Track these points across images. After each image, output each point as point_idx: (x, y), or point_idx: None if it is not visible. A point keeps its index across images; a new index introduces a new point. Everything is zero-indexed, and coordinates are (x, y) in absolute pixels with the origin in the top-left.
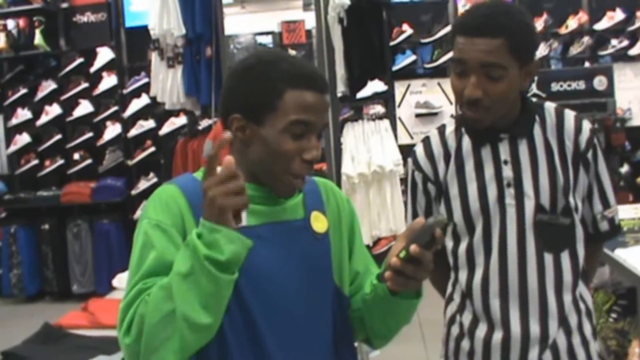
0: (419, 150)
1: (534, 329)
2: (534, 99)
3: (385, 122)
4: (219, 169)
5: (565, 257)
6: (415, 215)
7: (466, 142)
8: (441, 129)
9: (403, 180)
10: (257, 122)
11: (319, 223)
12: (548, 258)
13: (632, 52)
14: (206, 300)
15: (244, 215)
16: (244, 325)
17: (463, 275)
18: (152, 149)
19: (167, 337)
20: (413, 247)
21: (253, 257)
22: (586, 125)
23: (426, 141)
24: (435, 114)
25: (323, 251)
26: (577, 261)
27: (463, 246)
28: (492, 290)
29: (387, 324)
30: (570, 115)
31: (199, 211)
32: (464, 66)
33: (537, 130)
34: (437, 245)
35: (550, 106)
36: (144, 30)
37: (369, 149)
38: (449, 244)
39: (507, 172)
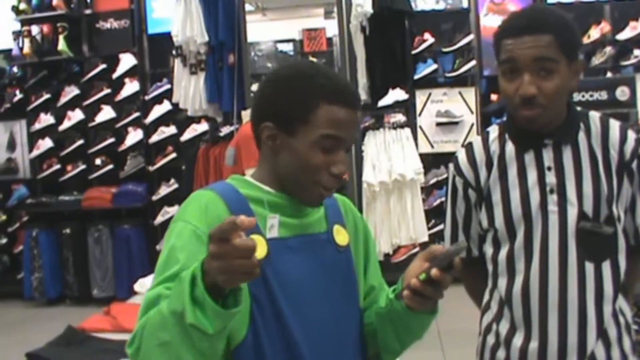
0: (461, 156)
1: (572, 338)
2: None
3: (407, 131)
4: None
5: (606, 267)
6: (454, 220)
7: (509, 148)
8: (484, 136)
9: (423, 189)
10: (289, 133)
11: (341, 236)
12: (589, 267)
13: None
14: (200, 349)
15: (276, 226)
16: (279, 334)
17: (503, 282)
18: (173, 155)
19: None
20: (434, 271)
21: (287, 268)
22: (631, 135)
23: (469, 147)
24: (456, 123)
25: (346, 263)
26: (618, 272)
27: (504, 252)
28: (532, 297)
29: (400, 339)
30: (615, 124)
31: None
32: (514, 65)
33: (581, 137)
34: (455, 272)
35: (594, 115)
36: (166, 37)
37: (390, 158)
38: (489, 250)
39: (551, 178)
